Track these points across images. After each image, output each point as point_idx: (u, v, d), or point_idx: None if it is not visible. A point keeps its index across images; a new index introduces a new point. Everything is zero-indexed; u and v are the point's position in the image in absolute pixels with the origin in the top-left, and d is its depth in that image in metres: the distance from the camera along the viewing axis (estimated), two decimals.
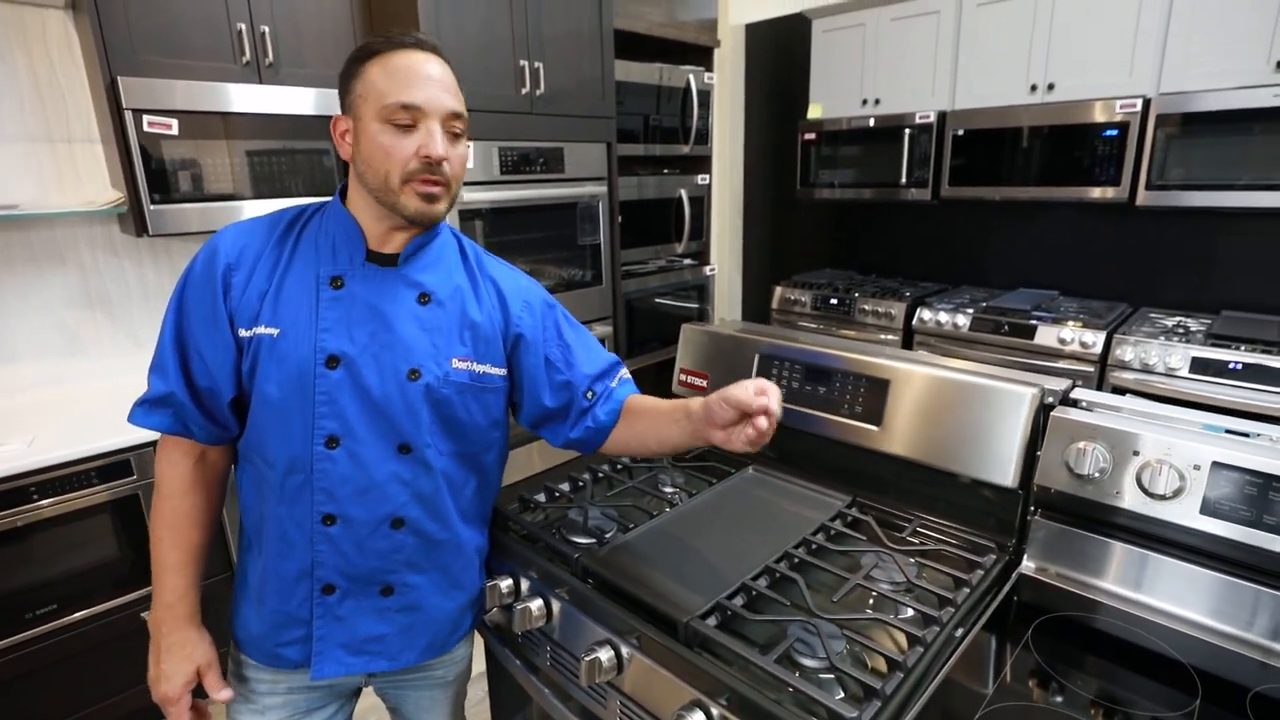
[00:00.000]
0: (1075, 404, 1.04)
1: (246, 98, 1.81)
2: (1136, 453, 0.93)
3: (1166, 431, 0.92)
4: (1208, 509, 0.87)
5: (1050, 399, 1.03)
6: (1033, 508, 1.04)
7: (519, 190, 2.22)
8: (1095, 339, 2.33)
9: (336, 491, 0.90)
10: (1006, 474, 1.02)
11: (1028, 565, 1.03)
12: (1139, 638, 0.89)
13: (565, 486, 1.27)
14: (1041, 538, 1.02)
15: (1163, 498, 0.90)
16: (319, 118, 1.92)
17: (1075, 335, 2.37)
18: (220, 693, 0.97)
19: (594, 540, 1.09)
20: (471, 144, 2.07)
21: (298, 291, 0.90)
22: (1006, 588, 0.98)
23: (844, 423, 1.19)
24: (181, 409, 0.91)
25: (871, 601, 0.95)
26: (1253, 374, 2.04)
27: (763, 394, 0.85)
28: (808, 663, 0.83)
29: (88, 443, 1.59)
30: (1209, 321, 2.36)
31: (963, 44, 2.72)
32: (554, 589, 1.03)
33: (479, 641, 1.18)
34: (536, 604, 1.03)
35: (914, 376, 1.12)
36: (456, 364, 0.95)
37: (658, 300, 2.92)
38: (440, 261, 0.98)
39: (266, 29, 1.84)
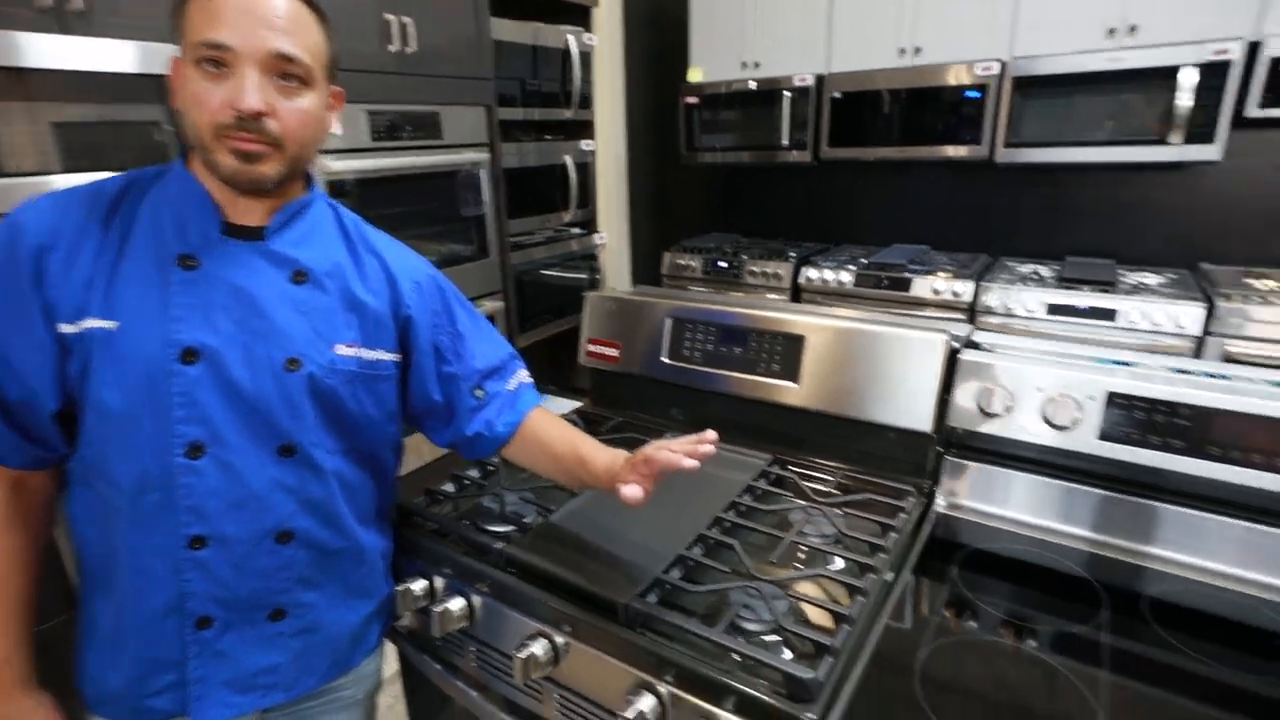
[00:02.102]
0: (978, 347, 1.07)
1: (47, 50, 1.51)
2: (1039, 389, 0.97)
3: (1064, 367, 0.97)
4: (1104, 435, 0.93)
5: (956, 344, 1.06)
6: (945, 448, 1.07)
7: (393, 158, 2.04)
8: (965, 289, 2.49)
9: (205, 508, 0.77)
10: (922, 419, 1.04)
11: (941, 503, 1.06)
12: (1051, 561, 0.95)
13: (475, 473, 1.18)
14: (955, 475, 1.06)
15: (1064, 428, 0.95)
16: (147, 77, 1.65)
17: (947, 286, 2.52)
18: None
19: (514, 528, 1.01)
20: None
21: (138, 275, 0.75)
22: (928, 528, 1.01)
23: (761, 382, 1.17)
24: None
25: (805, 557, 0.94)
26: (1096, 311, 2.26)
27: (694, 455, 0.82)
28: (752, 627, 0.81)
29: None
30: (1058, 267, 2.59)
31: (837, 8, 2.78)
32: (474, 585, 0.94)
33: (388, 647, 1.08)
34: (456, 604, 0.94)
35: (827, 331, 1.12)
36: (342, 350, 0.83)
37: (547, 272, 2.82)
38: (315, 235, 0.85)
39: None
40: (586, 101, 2.87)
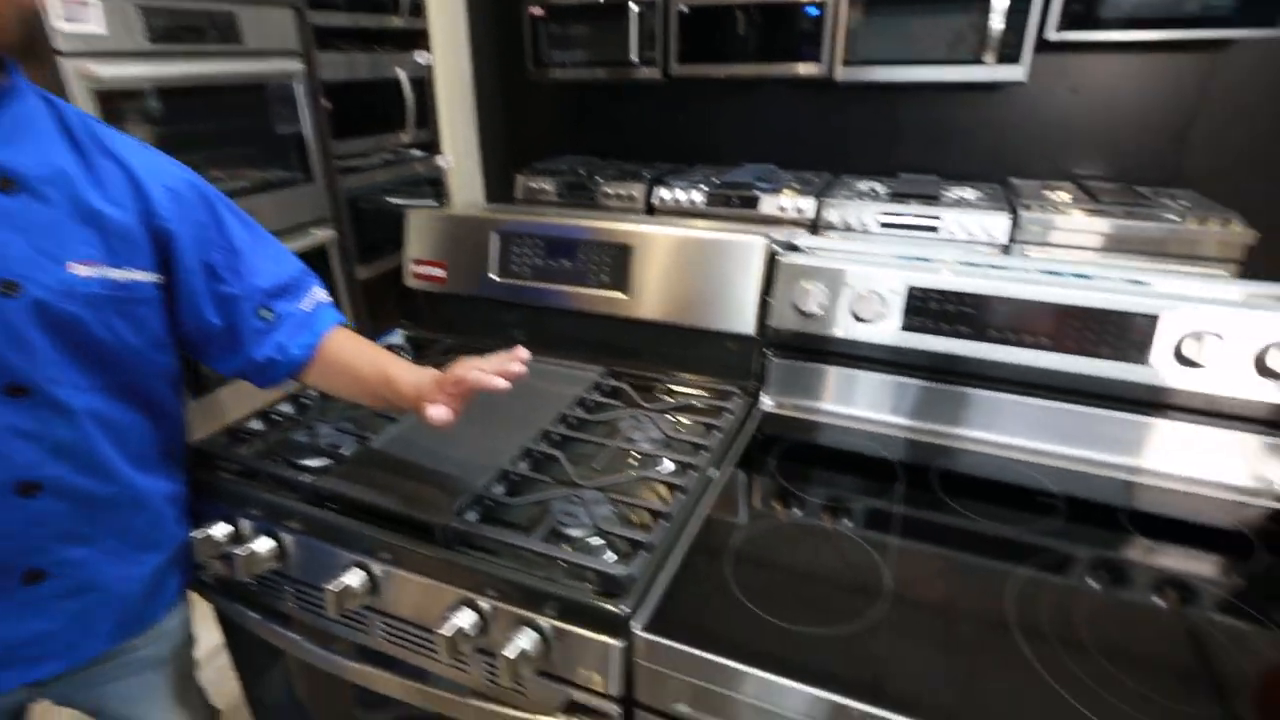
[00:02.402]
0: (798, 250, 1.10)
1: None
2: (849, 285, 1.01)
3: (869, 265, 1.01)
4: (907, 326, 0.99)
5: (778, 248, 1.08)
6: (768, 349, 1.10)
7: (180, 65, 1.76)
8: (808, 205, 2.58)
9: None
10: (746, 323, 1.06)
11: (768, 402, 1.10)
12: (861, 446, 1.01)
13: (288, 408, 1.09)
14: (778, 375, 1.10)
15: (871, 322, 1.00)
16: None
17: (791, 203, 2.60)
18: None
19: (329, 460, 0.94)
20: None
21: None
22: (752, 426, 1.05)
23: (592, 294, 1.15)
24: None
25: (633, 462, 0.94)
26: (921, 224, 2.42)
27: (505, 375, 0.78)
28: (576, 533, 0.80)
29: None
30: (892, 184, 2.74)
31: None
32: (283, 523, 0.87)
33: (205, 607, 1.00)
34: (264, 544, 0.87)
35: (655, 239, 1.10)
36: (80, 270, 0.70)
37: (388, 198, 2.62)
38: (26, 134, 0.70)
39: None
40: (418, 7, 2.62)
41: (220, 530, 0.90)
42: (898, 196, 2.52)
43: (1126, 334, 0.90)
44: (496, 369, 0.78)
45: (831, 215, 2.54)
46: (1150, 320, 0.89)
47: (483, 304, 1.24)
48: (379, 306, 2.70)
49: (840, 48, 2.57)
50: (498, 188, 3.52)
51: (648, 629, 0.68)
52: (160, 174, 0.79)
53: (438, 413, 0.78)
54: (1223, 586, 0.76)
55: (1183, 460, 0.92)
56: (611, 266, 1.12)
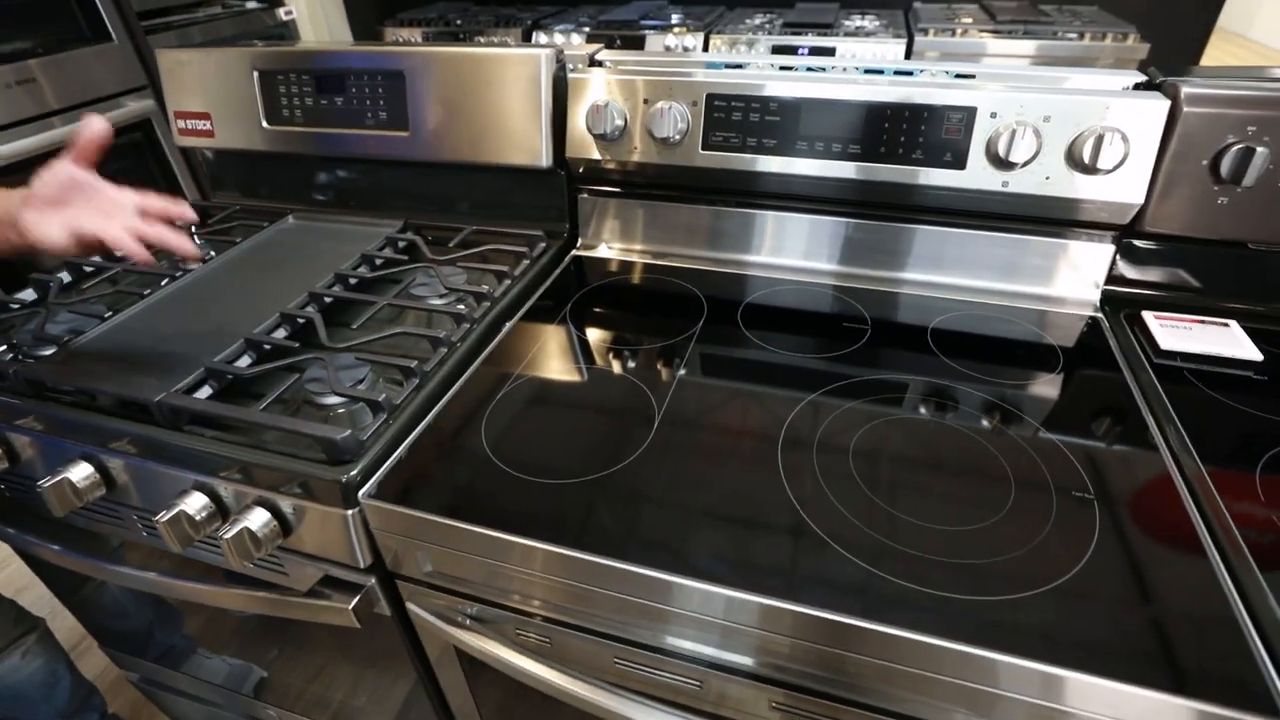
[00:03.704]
0: (600, 65, 0.96)
1: None
2: (647, 101, 0.88)
3: (667, 75, 0.88)
4: (708, 143, 0.88)
5: (573, 65, 0.93)
6: (580, 186, 0.98)
7: None
8: (695, 42, 2.35)
9: None
10: (540, 154, 0.93)
11: (584, 245, 1.00)
12: (666, 284, 0.93)
13: (28, 294, 0.94)
14: (590, 213, 0.99)
15: (673, 141, 0.88)
16: None
17: (678, 41, 2.37)
18: None
19: (58, 348, 0.82)
20: None
21: None
22: (558, 272, 0.95)
23: (372, 135, 0.99)
24: None
25: (413, 320, 0.85)
26: (816, 54, 2.24)
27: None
28: (329, 401, 0.71)
29: None
30: (788, 14, 2.51)
31: None
32: (9, 422, 0.76)
33: None
34: None
35: (427, 61, 0.94)
36: None
37: None
38: None
39: None
40: None
41: None
42: (791, 27, 2.32)
43: (941, 133, 0.80)
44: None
45: (721, 50, 2.33)
46: (966, 114, 0.79)
47: (260, 159, 1.08)
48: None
49: None
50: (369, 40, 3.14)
51: (376, 495, 0.61)
52: None
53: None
54: (1023, 405, 0.72)
55: (998, 273, 0.86)
56: (388, 100, 0.97)
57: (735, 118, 0.86)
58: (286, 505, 0.66)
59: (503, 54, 0.90)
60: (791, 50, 2.24)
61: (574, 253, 1.00)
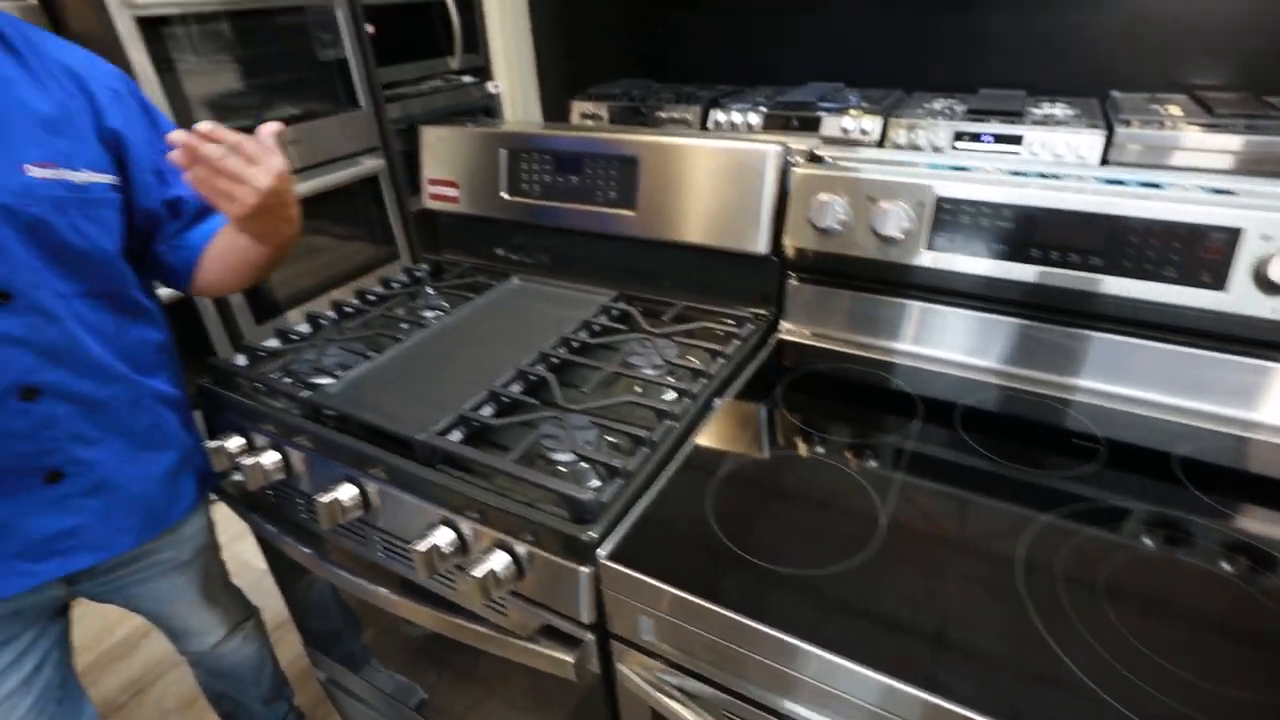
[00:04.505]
0: (819, 161, 1.00)
1: None
2: (871, 199, 0.91)
3: (895, 174, 0.91)
4: (934, 244, 0.89)
5: (795, 158, 0.98)
6: (789, 272, 1.02)
7: None
8: (873, 125, 2.38)
9: None
10: (759, 241, 0.98)
11: (788, 329, 1.03)
12: (877, 378, 0.93)
13: (304, 328, 1.10)
14: (798, 300, 1.02)
15: (895, 239, 0.90)
16: None
17: (856, 123, 2.41)
18: None
19: (332, 379, 0.95)
20: None
21: None
22: (764, 354, 0.98)
23: (601, 212, 1.09)
24: None
25: (636, 389, 0.91)
26: (1001, 142, 2.19)
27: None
28: (561, 457, 0.78)
29: None
30: (971, 100, 2.48)
31: None
32: (289, 438, 0.89)
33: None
34: (269, 458, 0.90)
35: (660, 150, 1.03)
36: (36, 172, 0.71)
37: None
38: None
39: None
40: None
41: (234, 442, 0.93)
42: (975, 114, 2.29)
43: (1198, 252, 0.77)
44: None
45: (899, 135, 2.34)
46: (1229, 235, 0.76)
47: (497, 225, 1.21)
48: (432, 236, 2.73)
49: None
50: (554, 114, 3.43)
51: (613, 558, 0.65)
52: (103, 76, 0.80)
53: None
54: None
55: (1256, 403, 0.80)
56: (619, 181, 1.06)
57: (964, 221, 0.86)
58: (522, 550, 0.71)
59: (734, 147, 0.97)
60: (975, 137, 2.21)
61: (778, 335, 1.03)
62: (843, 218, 0.93)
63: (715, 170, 0.98)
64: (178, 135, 0.69)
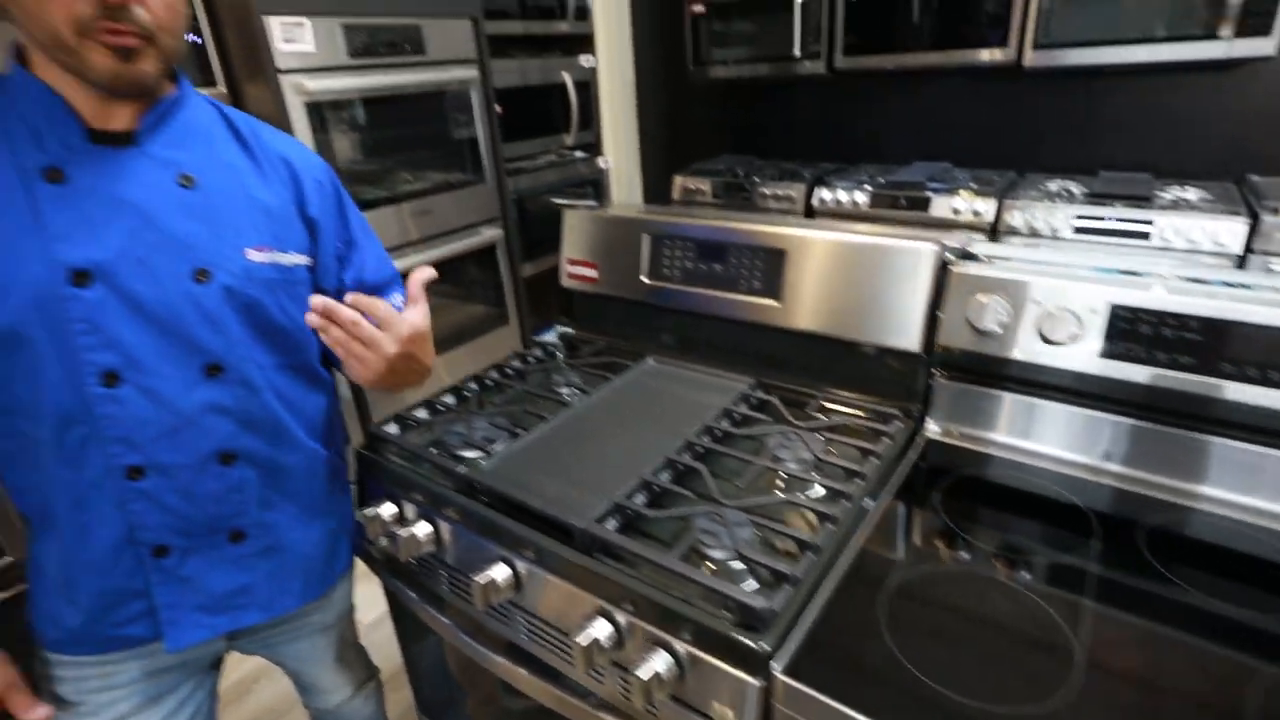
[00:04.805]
0: (974, 259, 0.99)
1: None
2: (1036, 301, 0.89)
3: (1062, 277, 0.88)
4: (1106, 352, 0.85)
5: (950, 256, 0.98)
6: (935, 369, 1.00)
7: (374, 77, 1.94)
8: (987, 207, 2.35)
9: (135, 438, 0.74)
10: (910, 338, 0.97)
11: (933, 429, 1.00)
12: (1043, 488, 0.89)
13: (450, 399, 1.15)
14: (946, 399, 0.99)
15: (1063, 345, 0.87)
16: None
17: (968, 205, 2.38)
18: (34, 712, 0.80)
19: (481, 453, 0.98)
20: (308, 20, 1.77)
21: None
22: (913, 454, 0.96)
23: (743, 300, 1.11)
24: None
25: (780, 483, 0.90)
26: (1127, 229, 2.11)
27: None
28: (716, 554, 0.77)
29: None
30: (1090, 183, 2.42)
31: None
32: (440, 510, 0.92)
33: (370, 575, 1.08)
34: (422, 529, 0.92)
35: (811, 244, 1.04)
36: (254, 256, 0.78)
37: (551, 199, 2.73)
38: (197, 134, 0.78)
39: None
40: (584, 13, 2.71)
41: (387, 510, 0.97)
42: (1097, 197, 2.22)
43: None
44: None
45: (1014, 218, 2.29)
46: None
47: (634, 306, 1.24)
48: (540, 303, 2.84)
49: (1031, 29, 2.31)
50: (656, 188, 3.55)
51: (789, 672, 0.63)
52: (311, 168, 0.87)
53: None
54: None
55: None
56: (764, 272, 1.08)
57: (1143, 331, 0.83)
58: (680, 650, 0.70)
59: (891, 245, 0.97)
60: (1100, 226, 2.14)
61: (925, 434, 1.00)
62: (1004, 319, 0.91)
63: (866, 266, 0.99)
64: (318, 300, 0.73)
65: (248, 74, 1.76)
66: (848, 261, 1.00)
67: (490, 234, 2.35)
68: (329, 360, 0.93)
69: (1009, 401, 0.95)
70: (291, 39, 1.74)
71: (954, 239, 1.01)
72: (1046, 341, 0.88)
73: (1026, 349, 0.90)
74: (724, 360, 1.15)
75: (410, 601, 1.01)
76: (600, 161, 2.89)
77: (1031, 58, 2.33)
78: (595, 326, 1.34)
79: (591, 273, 1.28)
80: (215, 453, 0.79)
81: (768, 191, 2.82)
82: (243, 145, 0.82)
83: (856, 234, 1.01)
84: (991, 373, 0.95)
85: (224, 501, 0.81)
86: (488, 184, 2.33)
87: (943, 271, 0.96)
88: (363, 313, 0.75)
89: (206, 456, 0.78)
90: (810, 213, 2.74)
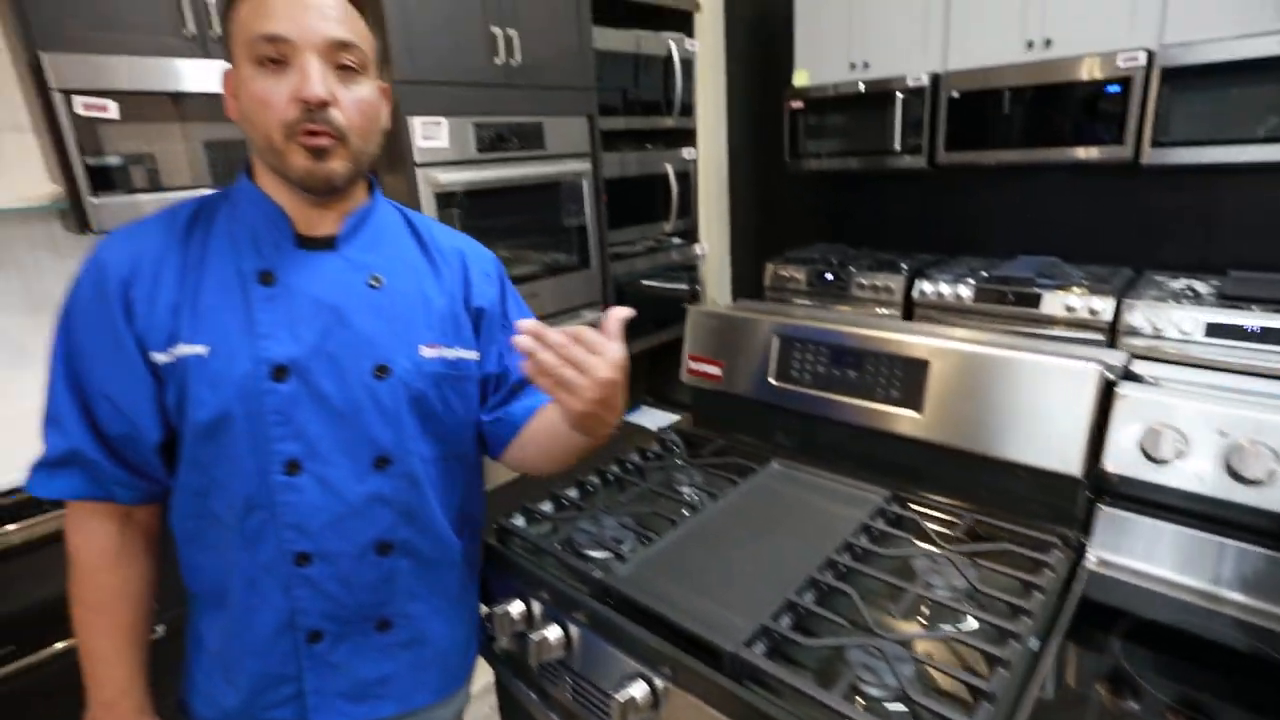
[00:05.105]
0: (1138, 379, 0.94)
1: (195, 75, 1.63)
2: (1222, 433, 0.83)
3: (1257, 408, 0.82)
4: None
5: (1112, 376, 0.93)
6: (1098, 496, 0.94)
7: (498, 170, 2.07)
8: (1104, 305, 2.25)
9: (307, 525, 0.77)
10: (1070, 461, 0.91)
11: (1095, 559, 0.93)
12: (1234, 639, 0.80)
13: (573, 492, 1.15)
14: (1110, 529, 0.92)
15: (1255, 483, 0.80)
16: None
17: (1083, 302, 2.29)
18: None
19: (611, 554, 0.97)
20: (445, 120, 1.92)
21: (220, 296, 0.75)
22: (1078, 589, 0.89)
23: (879, 409, 1.08)
24: (94, 467, 0.76)
25: (932, 612, 0.84)
26: (1270, 335, 1.97)
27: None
28: (873, 691, 0.72)
29: None
30: (1217, 283, 2.29)
31: (954, 2, 2.60)
32: (571, 614, 0.91)
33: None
34: (554, 633, 0.91)
35: (955, 356, 1.01)
36: (426, 352, 0.82)
37: (646, 283, 2.79)
38: (385, 238, 0.84)
39: None
40: (688, 109, 2.83)
41: (515, 608, 0.96)
42: (1229, 299, 2.10)
43: None
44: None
45: (1135, 318, 2.19)
46: None
47: (758, 406, 1.23)
48: (633, 381, 2.87)
49: (1149, 127, 2.26)
50: (746, 275, 3.59)
51: None
52: (480, 260, 0.92)
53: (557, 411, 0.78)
54: None
55: None
56: (904, 382, 1.05)
57: None
58: None
59: (1049, 363, 0.93)
60: (1238, 330, 2.01)
61: (1089, 566, 0.93)
62: (1182, 449, 0.85)
63: (1019, 382, 0.95)
64: (528, 323, 0.73)
65: (387, 165, 1.91)
66: (998, 377, 0.97)
67: (591, 317, 2.41)
68: (483, 447, 0.95)
69: (1188, 538, 0.87)
70: (430, 136, 1.89)
71: (1113, 356, 0.97)
72: (1236, 478, 0.81)
73: (1211, 483, 0.84)
74: (854, 468, 1.11)
75: (531, 704, 0.99)
76: (697, 248, 2.96)
77: (1150, 155, 2.27)
78: (715, 424, 1.33)
79: (715, 370, 1.28)
80: (374, 542, 0.81)
81: (864, 282, 2.80)
82: (421, 246, 0.88)
83: (1006, 348, 0.98)
84: (1166, 505, 0.88)
85: (376, 590, 0.83)
86: (592, 269, 2.41)
87: (1106, 392, 0.91)
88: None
89: (366, 545, 0.80)
90: (910, 305, 2.70)
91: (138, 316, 0.74)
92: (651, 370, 3.23)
